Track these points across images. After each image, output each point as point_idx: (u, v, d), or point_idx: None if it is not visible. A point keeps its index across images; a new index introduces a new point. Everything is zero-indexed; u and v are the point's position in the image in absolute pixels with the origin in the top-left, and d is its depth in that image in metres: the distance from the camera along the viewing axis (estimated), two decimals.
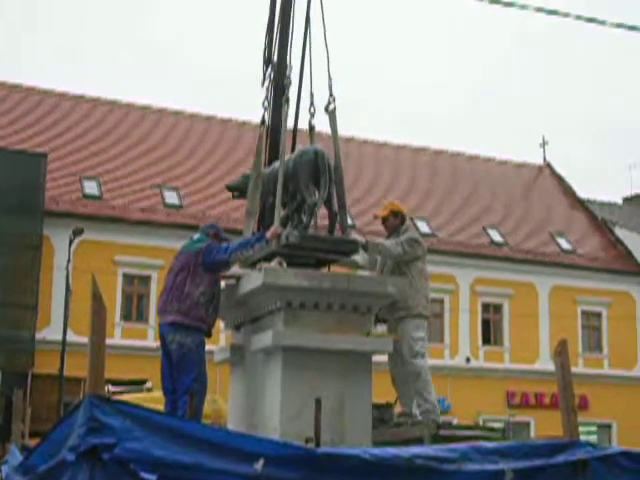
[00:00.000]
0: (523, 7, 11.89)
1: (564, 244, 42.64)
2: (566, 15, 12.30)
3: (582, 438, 6.87)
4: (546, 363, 35.92)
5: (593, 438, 33.09)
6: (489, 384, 37.73)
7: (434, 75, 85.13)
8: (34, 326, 31.05)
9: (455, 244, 39.54)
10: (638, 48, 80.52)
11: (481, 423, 33.40)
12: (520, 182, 46.43)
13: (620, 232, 44.54)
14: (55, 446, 5.98)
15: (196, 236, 9.25)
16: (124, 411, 5.73)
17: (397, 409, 10.52)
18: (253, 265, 9.27)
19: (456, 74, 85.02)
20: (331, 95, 9.76)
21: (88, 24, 78.78)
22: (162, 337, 8.95)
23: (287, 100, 9.72)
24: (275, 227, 9.03)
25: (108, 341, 6.10)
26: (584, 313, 41.49)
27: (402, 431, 9.66)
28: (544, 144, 48.53)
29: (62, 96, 40.35)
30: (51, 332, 30.50)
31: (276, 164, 9.54)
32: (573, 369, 7.04)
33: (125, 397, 17.55)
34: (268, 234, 8.98)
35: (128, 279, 34.52)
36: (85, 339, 6.32)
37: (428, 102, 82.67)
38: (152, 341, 32.28)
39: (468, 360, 38.62)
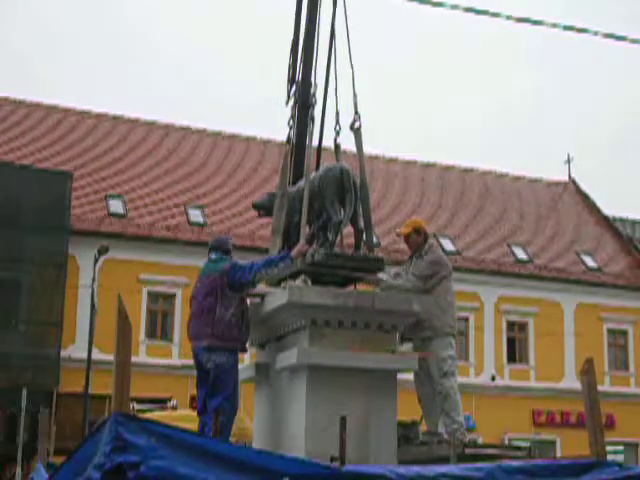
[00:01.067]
0: (554, 25, 11.88)
1: (589, 262, 42.37)
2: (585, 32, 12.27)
3: (609, 457, 6.80)
4: (572, 381, 35.72)
5: (620, 457, 32.79)
6: (514, 403, 37.45)
7: (459, 93, 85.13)
8: (59, 344, 31.11)
9: (479, 262, 39.38)
10: None
11: (506, 442, 33.21)
12: (545, 199, 46.22)
13: None
14: (80, 464, 5.96)
15: (213, 255, 9.17)
16: (149, 429, 5.71)
17: (422, 427, 10.46)
18: (278, 283, 9.26)
19: (481, 91, 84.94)
20: (356, 113, 9.77)
21: (116, 49, 79.38)
22: (197, 359, 8.88)
23: (312, 118, 9.74)
24: (300, 245, 9.01)
25: (133, 359, 6.09)
26: (610, 331, 41.15)
27: (428, 450, 9.59)
28: (569, 161, 48.33)
29: (97, 116, 40.62)
30: (76, 350, 30.59)
31: (301, 182, 9.53)
32: (599, 387, 6.98)
33: (150, 415, 17.52)
34: (293, 252, 8.96)
35: (153, 297, 34.54)
36: (110, 357, 6.33)
37: (454, 120, 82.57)
38: (177, 359, 32.41)
39: (493, 378, 38.38)
